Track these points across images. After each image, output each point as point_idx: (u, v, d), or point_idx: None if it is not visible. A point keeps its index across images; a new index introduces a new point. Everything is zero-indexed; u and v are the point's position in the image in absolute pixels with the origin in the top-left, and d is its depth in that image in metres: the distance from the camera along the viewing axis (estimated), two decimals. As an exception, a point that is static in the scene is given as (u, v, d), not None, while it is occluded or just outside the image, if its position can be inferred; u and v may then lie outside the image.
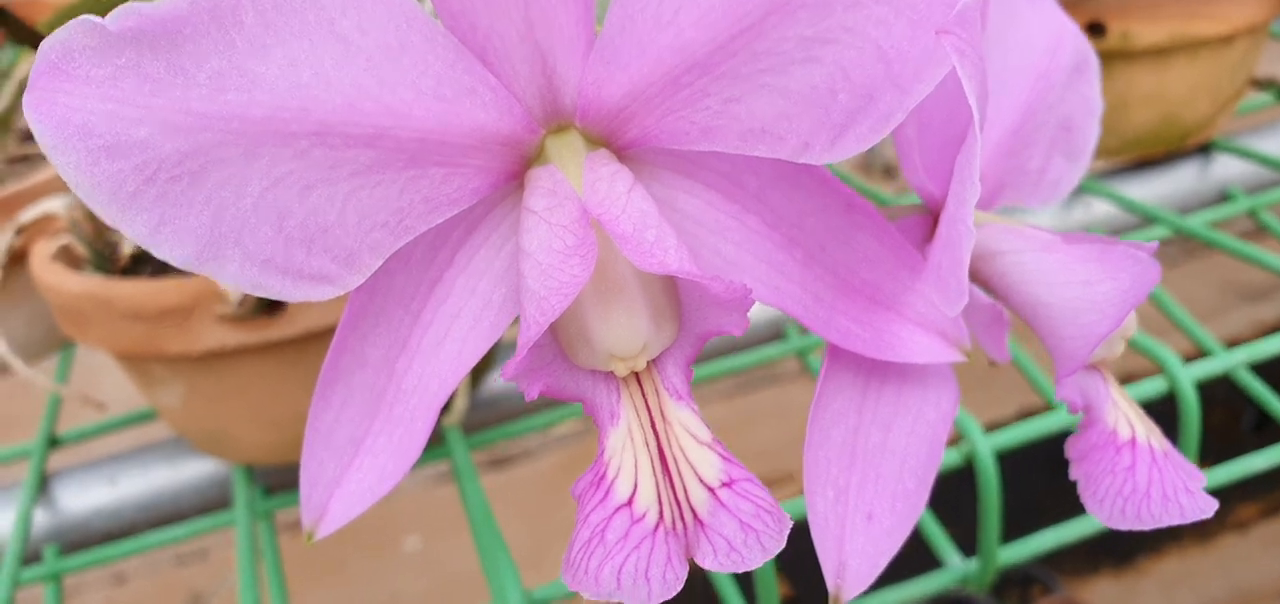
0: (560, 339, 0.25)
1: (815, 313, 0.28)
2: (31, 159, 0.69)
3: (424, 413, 0.27)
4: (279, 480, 0.57)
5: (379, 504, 0.55)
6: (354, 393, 0.27)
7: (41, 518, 0.56)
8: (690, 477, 0.24)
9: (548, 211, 0.24)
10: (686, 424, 0.25)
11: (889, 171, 1.53)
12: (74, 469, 0.58)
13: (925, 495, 0.29)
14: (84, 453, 0.61)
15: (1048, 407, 0.53)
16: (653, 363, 0.25)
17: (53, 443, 0.60)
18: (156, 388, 0.51)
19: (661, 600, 0.24)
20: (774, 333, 0.64)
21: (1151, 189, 0.71)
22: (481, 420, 0.60)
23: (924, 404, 0.29)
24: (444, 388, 0.27)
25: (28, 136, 0.72)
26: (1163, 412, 0.43)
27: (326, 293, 0.25)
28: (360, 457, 0.27)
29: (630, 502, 0.24)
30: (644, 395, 0.25)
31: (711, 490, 0.24)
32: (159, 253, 0.23)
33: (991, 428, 0.49)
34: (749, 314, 0.25)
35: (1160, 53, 0.66)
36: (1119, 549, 1.73)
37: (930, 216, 0.31)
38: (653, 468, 0.25)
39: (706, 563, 0.24)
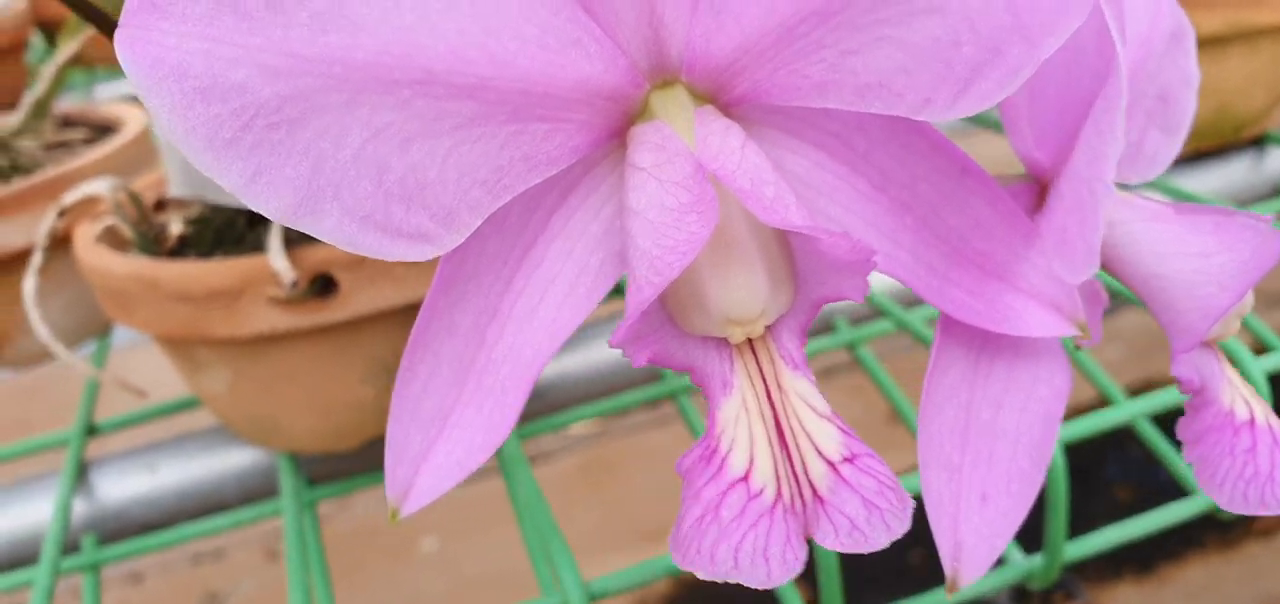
0: (670, 304, 0.24)
1: (927, 281, 0.26)
2: (70, 145, 0.68)
3: (516, 384, 0.26)
4: (322, 471, 0.55)
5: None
6: (442, 362, 0.26)
7: (79, 507, 0.55)
8: (809, 450, 0.23)
9: (658, 168, 0.23)
10: (804, 395, 0.23)
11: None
12: (113, 457, 0.56)
13: (1041, 476, 0.27)
14: (119, 442, 0.60)
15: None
16: (768, 330, 0.24)
17: (90, 431, 0.59)
18: (201, 373, 0.50)
19: (780, 582, 0.22)
20: (824, 324, 0.63)
21: (1205, 182, 0.70)
22: (530, 410, 0.58)
23: (1036, 381, 0.28)
24: (538, 358, 0.26)
25: (66, 122, 0.71)
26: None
27: (424, 252, 0.23)
28: (448, 429, 0.26)
29: (747, 477, 0.23)
30: (758, 364, 0.24)
31: (832, 465, 0.23)
32: (255, 204, 0.22)
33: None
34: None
35: (1217, 42, 0.65)
36: (1142, 556, 1.71)
37: (1036, 186, 0.29)
38: (769, 441, 0.23)
39: (827, 542, 0.23)
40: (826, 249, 0.22)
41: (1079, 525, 0.50)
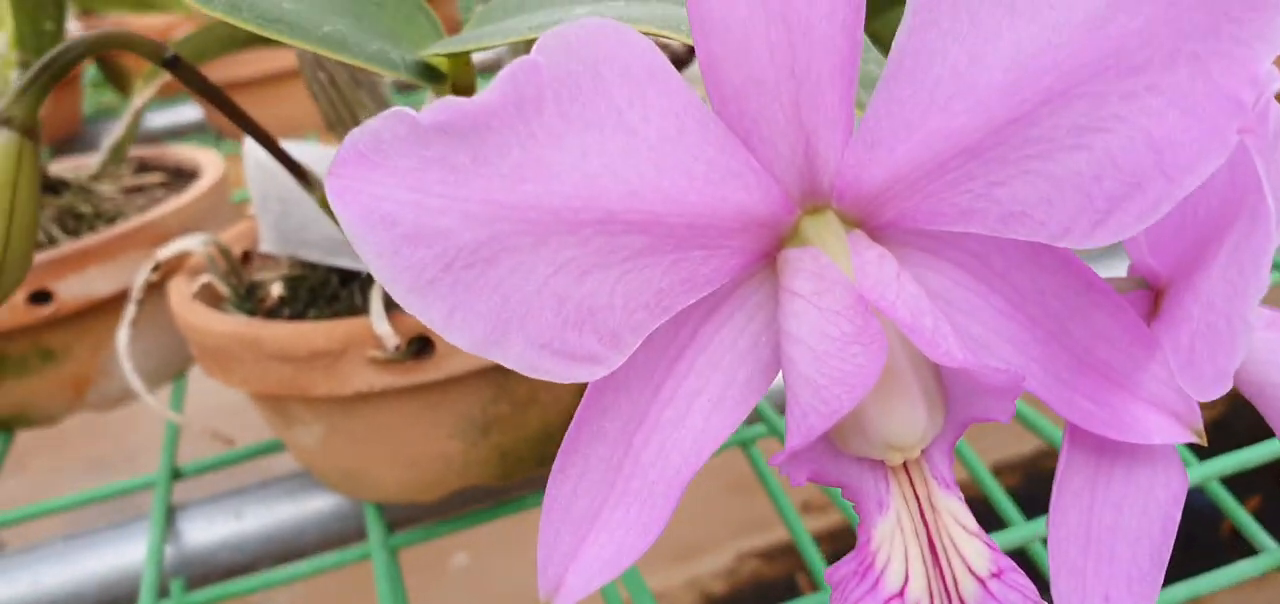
0: (828, 425, 0.25)
1: (1055, 392, 0.28)
2: (147, 189, 0.69)
3: (665, 489, 0.27)
4: (401, 516, 0.57)
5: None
6: (592, 466, 0.27)
7: (166, 551, 0.56)
8: (960, 567, 0.24)
9: (816, 296, 0.24)
10: (955, 513, 0.25)
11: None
12: (199, 502, 0.58)
13: (1160, 576, 0.29)
14: (198, 487, 0.62)
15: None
16: (923, 452, 0.25)
17: (175, 475, 0.60)
18: (294, 428, 0.52)
19: None
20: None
21: None
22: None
23: (1154, 484, 0.29)
24: (687, 465, 0.27)
25: (142, 167, 0.73)
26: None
27: (593, 373, 0.25)
28: (597, 530, 0.27)
29: (902, 593, 0.24)
30: (912, 484, 0.25)
31: (981, 581, 0.24)
32: (450, 337, 0.23)
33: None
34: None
35: None
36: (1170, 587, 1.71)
37: (1150, 294, 0.31)
38: (923, 558, 0.24)
39: (976, 653, 0.24)
40: (981, 379, 0.24)
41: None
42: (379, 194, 0.21)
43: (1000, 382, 0.24)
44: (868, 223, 0.26)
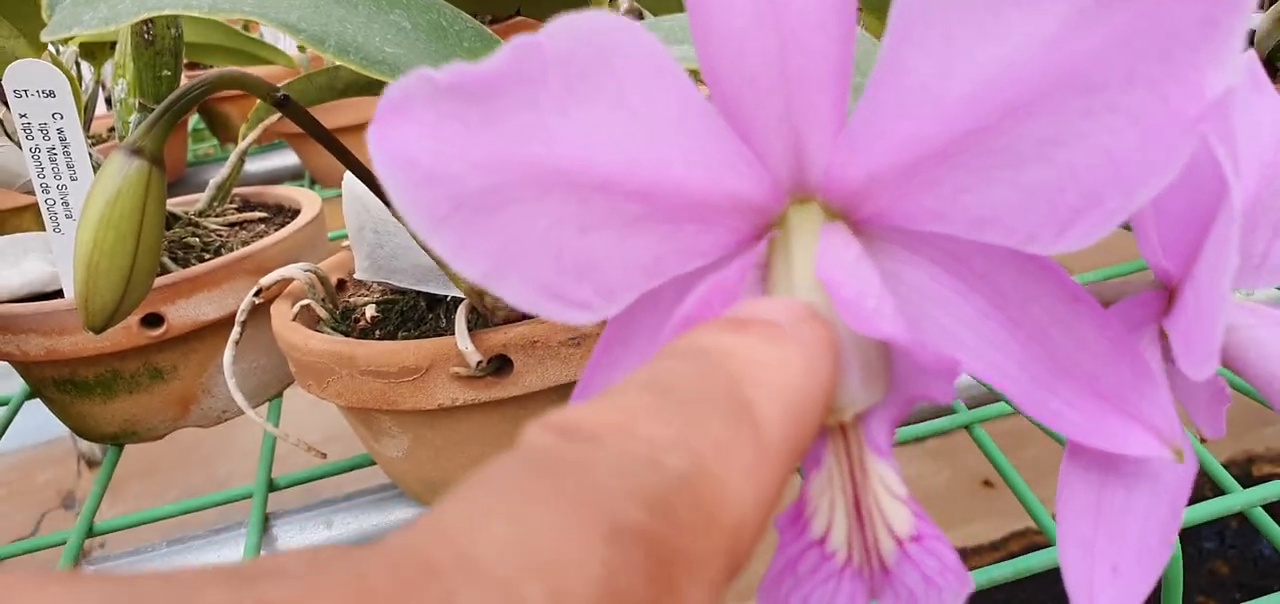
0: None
1: (1031, 394, 0.31)
2: (248, 225, 0.78)
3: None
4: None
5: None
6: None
7: (261, 555, 0.63)
8: (881, 526, 0.28)
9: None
10: (884, 478, 0.28)
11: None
12: (293, 511, 0.65)
13: (1167, 552, 0.32)
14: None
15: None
16: (859, 417, 0.29)
17: (271, 487, 0.67)
18: (382, 439, 0.57)
19: None
20: (946, 407, 0.67)
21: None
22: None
23: (1164, 468, 0.32)
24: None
25: (245, 205, 0.82)
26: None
27: (584, 319, 0.29)
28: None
29: (823, 540, 0.28)
30: (847, 446, 0.29)
31: (900, 542, 0.28)
32: (457, 268, 0.28)
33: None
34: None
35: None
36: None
37: (1165, 292, 0.34)
38: (847, 512, 0.28)
39: (887, 605, 0.28)
40: (915, 356, 0.27)
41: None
42: (406, 139, 0.26)
43: (933, 361, 0.27)
44: (850, 216, 0.30)
